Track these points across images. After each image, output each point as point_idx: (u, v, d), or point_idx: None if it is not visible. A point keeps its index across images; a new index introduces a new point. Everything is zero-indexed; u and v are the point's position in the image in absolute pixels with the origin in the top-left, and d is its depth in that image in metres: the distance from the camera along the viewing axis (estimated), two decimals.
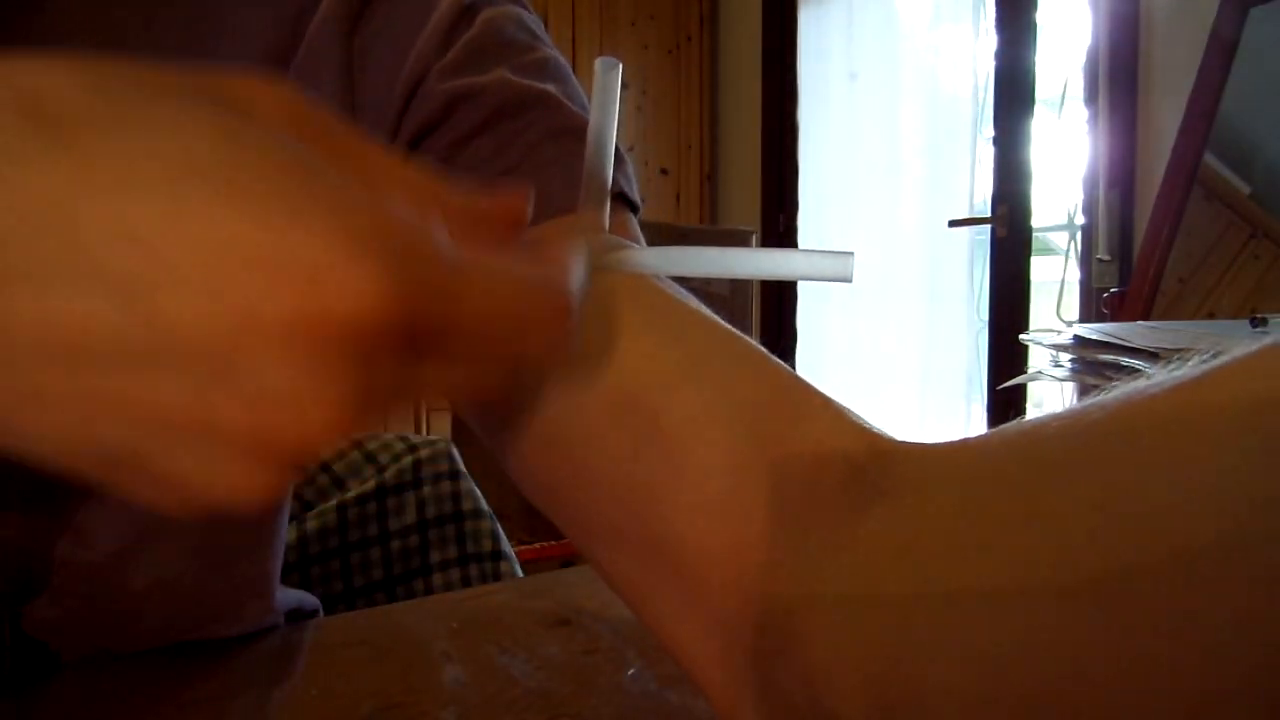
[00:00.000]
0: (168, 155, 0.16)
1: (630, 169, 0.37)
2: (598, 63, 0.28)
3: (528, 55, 0.37)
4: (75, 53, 0.17)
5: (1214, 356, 0.19)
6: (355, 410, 0.17)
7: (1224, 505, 0.17)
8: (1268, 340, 0.19)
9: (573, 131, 0.36)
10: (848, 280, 0.23)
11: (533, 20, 0.39)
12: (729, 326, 0.29)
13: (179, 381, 0.16)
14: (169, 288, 0.16)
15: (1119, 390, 0.20)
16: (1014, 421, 0.23)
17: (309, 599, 0.53)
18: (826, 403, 0.27)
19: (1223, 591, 0.16)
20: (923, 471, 0.23)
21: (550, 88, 0.37)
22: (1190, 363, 0.20)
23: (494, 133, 0.36)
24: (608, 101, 0.28)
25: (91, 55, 0.18)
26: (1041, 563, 0.19)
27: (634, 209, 0.37)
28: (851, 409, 0.27)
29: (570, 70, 0.39)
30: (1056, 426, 0.21)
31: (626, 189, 0.36)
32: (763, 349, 0.28)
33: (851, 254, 0.23)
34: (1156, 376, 0.20)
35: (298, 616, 0.51)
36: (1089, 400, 0.21)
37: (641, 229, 0.37)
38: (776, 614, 0.23)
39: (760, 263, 0.25)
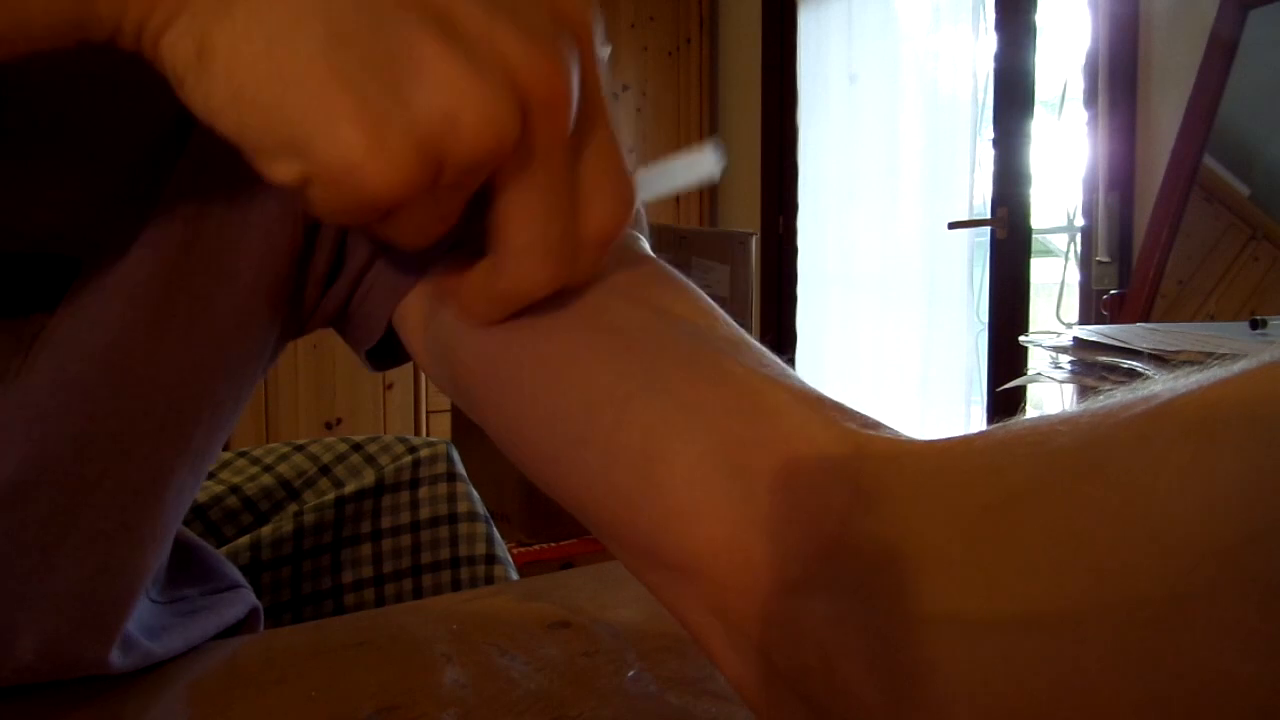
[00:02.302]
0: None
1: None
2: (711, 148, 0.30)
3: None
4: None
5: (1221, 365, 0.19)
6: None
7: (1218, 537, 0.16)
8: (1268, 355, 0.18)
9: None
10: (714, 178, 0.25)
11: None
12: (696, 334, 0.28)
13: None
14: None
15: (1117, 399, 0.20)
16: (1001, 425, 0.23)
17: (230, 612, 0.48)
18: (797, 400, 0.26)
19: (1212, 626, 0.16)
20: (907, 478, 0.23)
21: None
22: (1199, 372, 0.19)
23: None
24: (688, 174, 0.29)
25: None
26: (1027, 593, 0.18)
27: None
28: (835, 403, 0.26)
29: None
30: (1043, 433, 0.21)
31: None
32: (730, 351, 0.28)
33: (716, 149, 0.25)
34: (1159, 386, 0.20)
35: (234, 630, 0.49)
36: (1088, 407, 0.21)
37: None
38: (773, 608, 0.23)
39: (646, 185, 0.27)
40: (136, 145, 0.33)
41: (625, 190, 0.27)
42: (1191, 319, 1.49)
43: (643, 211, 0.37)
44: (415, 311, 0.36)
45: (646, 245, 0.33)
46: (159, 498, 0.38)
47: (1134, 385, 0.20)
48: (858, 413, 0.26)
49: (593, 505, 0.27)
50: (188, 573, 0.48)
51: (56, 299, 0.33)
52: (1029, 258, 2.09)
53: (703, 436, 0.25)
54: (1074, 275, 1.93)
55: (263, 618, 0.51)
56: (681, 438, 0.25)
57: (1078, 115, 1.89)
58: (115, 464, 0.35)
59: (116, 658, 0.39)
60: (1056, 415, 0.21)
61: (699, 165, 0.25)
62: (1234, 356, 0.19)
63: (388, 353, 0.41)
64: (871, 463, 0.23)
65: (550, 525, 1.73)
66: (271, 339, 0.39)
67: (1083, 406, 0.21)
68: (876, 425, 0.25)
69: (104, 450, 0.35)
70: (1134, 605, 0.17)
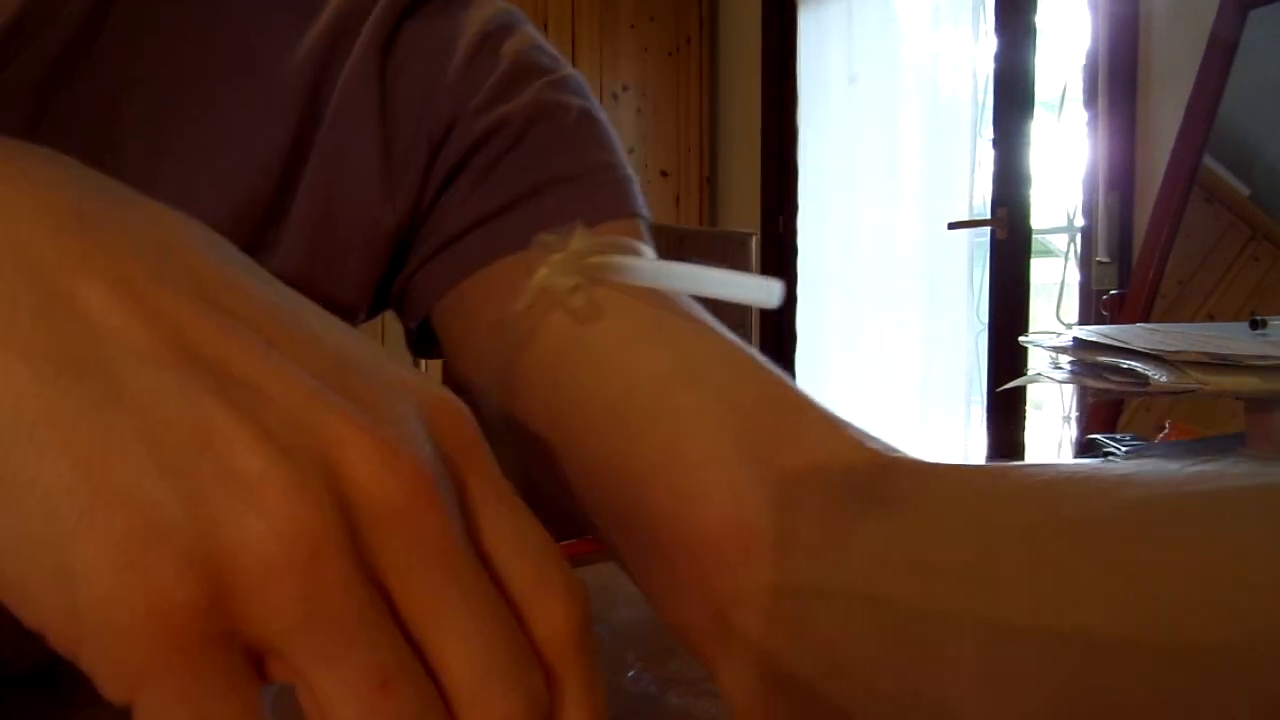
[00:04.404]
0: None
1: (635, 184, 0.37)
2: None
3: (553, 74, 0.38)
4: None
5: (1244, 463, 0.19)
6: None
7: (1237, 617, 0.17)
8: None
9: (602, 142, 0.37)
10: (771, 305, 0.25)
11: (545, 42, 0.40)
12: (729, 335, 0.30)
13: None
14: None
15: (1142, 469, 0.20)
16: (1017, 464, 0.23)
17: None
18: (824, 413, 0.28)
19: (1259, 689, 0.16)
20: (922, 489, 0.23)
21: (577, 102, 0.37)
22: (1220, 465, 0.19)
23: (527, 143, 0.36)
24: None
25: None
26: (1050, 608, 0.19)
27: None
28: (851, 423, 0.28)
29: (589, 87, 0.39)
30: (1074, 483, 0.21)
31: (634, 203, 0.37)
32: (762, 358, 0.29)
33: (780, 283, 0.25)
34: (1176, 473, 0.20)
35: None
36: (1107, 471, 0.21)
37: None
38: (770, 596, 0.24)
39: (699, 279, 0.27)
40: (255, 164, 0.34)
41: (569, 582, 0.21)
42: (1191, 319, 1.49)
43: (648, 215, 0.37)
44: (476, 315, 0.36)
45: (652, 253, 0.33)
46: None
47: (1200, 459, 0.20)
48: (880, 439, 0.27)
49: (614, 484, 0.28)
50: None
51: None
52: (1029, 258, 2.09)
53: (733, 428, 0.26)
54: (1074, 275, 1.93)
55: None
56: (714, 425, 0.26)
57: (1078, 115, 1.89)
58: None
59: None
60: (1108, 470, 0.21)
61: (755, 289, 0.25)
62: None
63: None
64: (894, 477, 0.24)
65: (550, 525, 1.73)
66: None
67: (1134, 466, 0.21)
68: (896, 450, 0.26)
69: None
70: (1189, 649, 0.17)
